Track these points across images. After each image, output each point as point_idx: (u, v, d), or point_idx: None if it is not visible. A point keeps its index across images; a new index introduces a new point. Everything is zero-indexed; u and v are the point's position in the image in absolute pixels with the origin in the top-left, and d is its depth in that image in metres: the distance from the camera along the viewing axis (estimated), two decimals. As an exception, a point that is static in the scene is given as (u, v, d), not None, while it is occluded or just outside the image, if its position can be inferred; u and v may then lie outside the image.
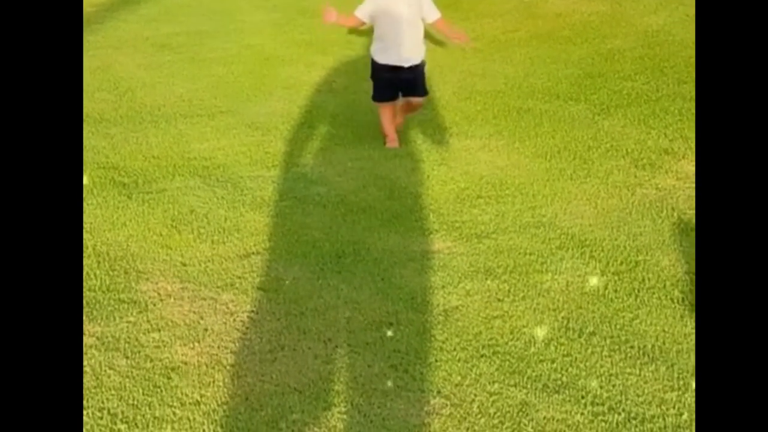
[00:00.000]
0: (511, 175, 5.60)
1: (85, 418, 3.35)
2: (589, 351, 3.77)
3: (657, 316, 4.01)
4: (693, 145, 5.91)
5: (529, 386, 3.54)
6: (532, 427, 3.31)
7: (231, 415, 3.38)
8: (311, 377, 3.61)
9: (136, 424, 3.34)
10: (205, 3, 10.76)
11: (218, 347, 3.81)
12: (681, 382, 3.53)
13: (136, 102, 7.18)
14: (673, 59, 7.77)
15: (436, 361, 3.71)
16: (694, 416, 3.34)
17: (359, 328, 3.96)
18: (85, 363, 3.67)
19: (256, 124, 6.67)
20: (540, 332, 3.88)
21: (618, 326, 3.94)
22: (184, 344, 3.84)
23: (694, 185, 5.31)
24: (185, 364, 3.70)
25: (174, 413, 3.39)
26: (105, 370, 3.65)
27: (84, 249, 4.59)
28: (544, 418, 3.36)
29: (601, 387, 3.53)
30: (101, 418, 3.37)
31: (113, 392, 3.52)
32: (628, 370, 3.64)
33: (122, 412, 3.40)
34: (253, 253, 4.63)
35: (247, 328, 3.96)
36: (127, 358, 3.75)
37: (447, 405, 3.43)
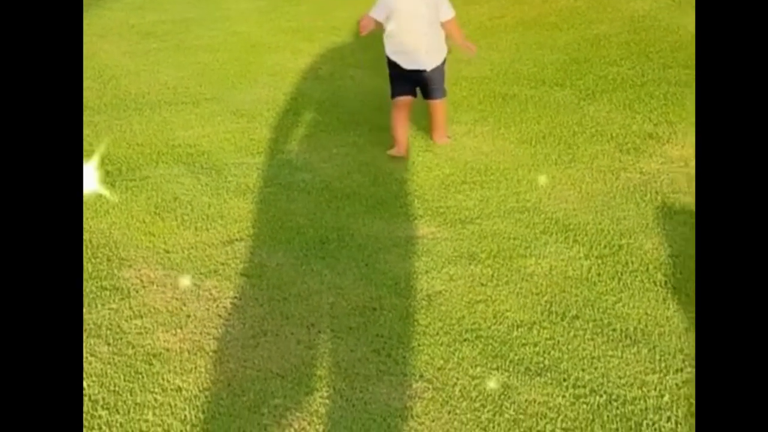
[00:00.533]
0: (496, 160, 5.59)
1: (66, 405, 3.34)
2: (572, 334, 3.77)
3: (639, 299, 4.01)
4: (677, 130, 5.92)
5: (511, 369, 3.54)
6: (513, 410, 3.31)
7: (213, 400, 3.38)
8: (294, 362, 3.61)
9: (117, 410, 3.34)
10: (190, -9, 10.73)
11: (200, 333, 3.81)
12: (662, 365, 3.54)
13: (121, 90, 7.16)
14: (658, 44, 7.78)
15: (419, 345, 3.70)
16: (674, 398, 3.34)
17: (342, 313, 3.95)
18: (66, 350, 3.66)
19: (241, 111, 6.66)
20: (524, 317, 3.89)
21: (601, 309, 3.95)
22: (166, 331, 3.83)
23: (678, 169, 5.32)
24: (167, 350, 3.69)
25: (155, 399, 3.39)
26: (86, 357, 3.64)
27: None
28: (526, 400, 3.36)
29: (583, 370, 3.53)
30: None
31: (94, 378, 3.51)
32: (610, 352, 3.64)
33: (103, 399, 3.40)
34: (236, 240, 4.62)
35: (229, 314, 3.95)
36: (108, 344, 3.74)
37: (429, 389, 3.43)
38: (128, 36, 8.90)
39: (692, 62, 7.33)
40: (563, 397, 3.38)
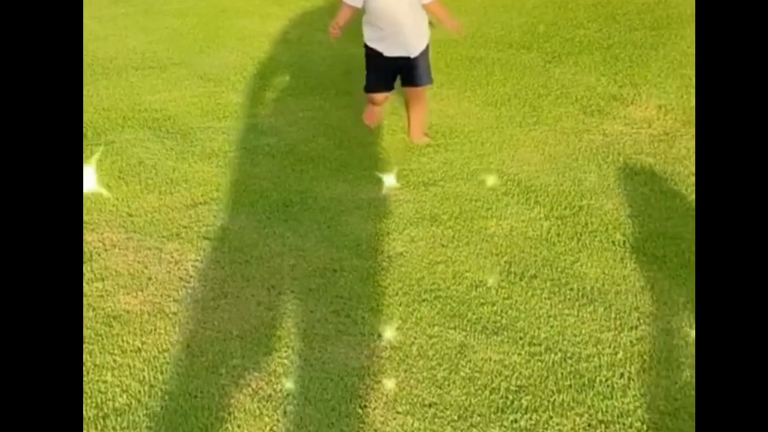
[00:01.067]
0: (461, 123, 5.61)
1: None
2: (530, 294, 3.82)
3: (598, 259, 4.06)
4: (641, 92, 5.96)
5: (468, 329, 3.59)
6: (469, 368, 3.35)
7: (171, 361, 3.41)
8: (253, 323, 3.64)
9: (76, 371, 3.36)
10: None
11: (161, 296, 3.83)
12: (618, 323, 3.59)
13: (88, 55, 7.11)
14: (625, 7, 7.80)
15: (378, 305, 3.74)
16: (628, 355, 3.40)
17: (303, 275, 3.98)
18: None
19: (209, 76, 6.64)
20: (482, 277, 3.93)
21: (559, 269, 3.99)
22: (127, 293, 3.85)
23: (640, 130, 5.36)
24: (127, 312, 3.72)
25: (114, 360, 3.41)
26: (47, 320, 3.65)
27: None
28: (482, 359, 3.40)
29: (539, 328, 3.58)
30: (42, 367, 3.38)
31: (55, 341, 3.53)
32: (567, 311, 3.69)
33: (63, 361, 3.41)
34: (200, 203, 4.63)
35: (191, 276, 3.98)
36: (69, 307, 3.75)
37: (386, 348, 3.47)
38: (96, 1, 8.83)
39: (658, 24, 7.37)
40: (519, 354, 3.43)
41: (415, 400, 3.20)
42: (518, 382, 3.28)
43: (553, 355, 3.42)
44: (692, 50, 6.58)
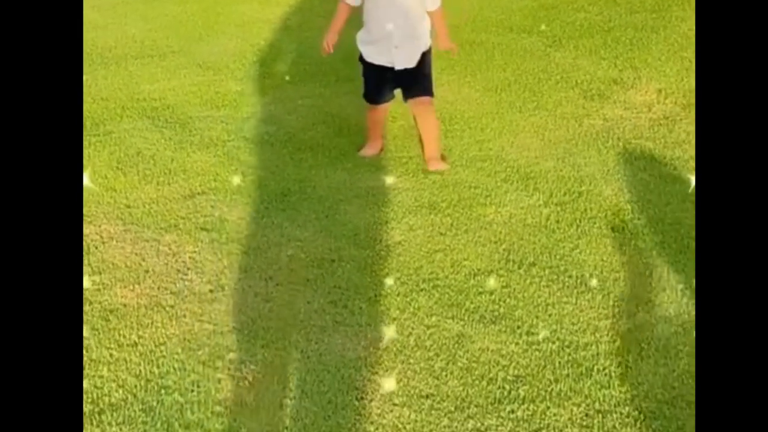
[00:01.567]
0: (461, 109, 5.59)
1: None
2: (528, 282, 3.80)
3: (597, 246, 4.04)
4: (642, 75, 5.93)
5: (466, 318, 3.57)
6: (466, 358, 3.34)
7: (167, 355, 3.40)
8: (250, 315, 3.63)
9: (73, 366, 3.35)
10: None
11: (158, 289, 3.82)
12: (616, 310, 3.58)
13: (87, 44, 7.07)
14: (626, -12, 7.75)
15: (375, 296, 3.73)
16: (626, 343, 3.38)
17: (301, 265, 3.97)
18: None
19: (208, 64, 6.61)
20: (481, 265, 3.91)
21: (558, 256, 3.98)
22: (124, 286, 3.84)
23: (640, 115, 5.33)
24: (124, 306, 3.71)
25: (111, 355, 3.41)
26: (44, 314, 3.65)
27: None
28: (479, 348, 3.39)
29: (537, 317, 3.57)
30: (39, 362, 3.37)
31: (51, 336, 3.52)
32: (565, 299, 3.68)
33: (60, 355, 3.41)
34: (198, 194, 4.62)
35: (188, 268, 3.96)
36: (66, 301, 3.74)
37: (383, 338, 3.46)
38: (96, -11, 8.80)
39: (658, 6, 7.31)
40: (516, 344, 3.42)
41: (412, 391, 3.19)
42: (516, 372, 3.27)
43: (551, 344, 3.40)
44: (693, 33, 6.53)
